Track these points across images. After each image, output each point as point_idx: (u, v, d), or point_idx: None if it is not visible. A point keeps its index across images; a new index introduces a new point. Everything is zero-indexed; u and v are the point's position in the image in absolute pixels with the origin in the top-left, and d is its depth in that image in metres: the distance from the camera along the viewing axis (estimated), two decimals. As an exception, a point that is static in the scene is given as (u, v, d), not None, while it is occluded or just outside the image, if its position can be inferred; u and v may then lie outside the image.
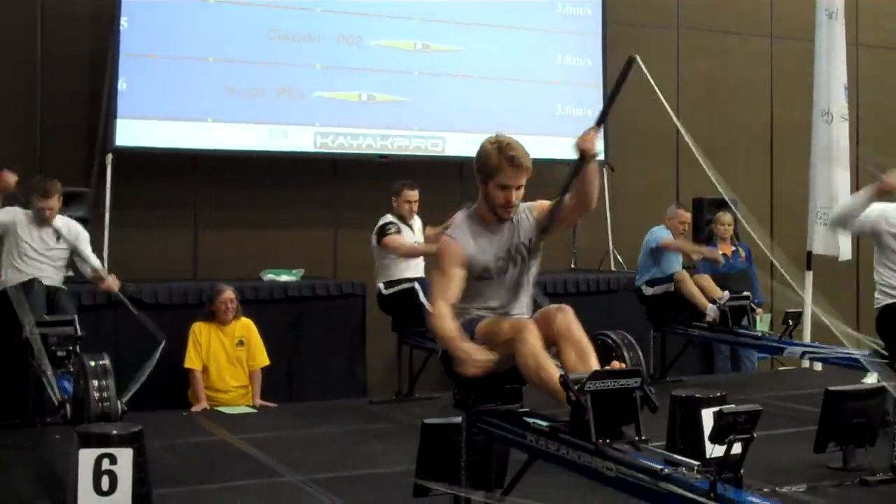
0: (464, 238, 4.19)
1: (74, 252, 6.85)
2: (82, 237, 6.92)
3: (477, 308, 4.22)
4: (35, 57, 8.29)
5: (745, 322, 7.80)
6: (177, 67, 8.35)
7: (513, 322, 4.06)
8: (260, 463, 5.76)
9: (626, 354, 5.86)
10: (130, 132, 8.14)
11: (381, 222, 7.58)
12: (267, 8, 8.72)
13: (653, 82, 4.44)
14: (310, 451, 6.13)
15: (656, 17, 10.70)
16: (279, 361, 7.81)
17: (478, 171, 4.20)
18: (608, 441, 3.58)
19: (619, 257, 9.90)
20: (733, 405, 3.77)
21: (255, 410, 7.37)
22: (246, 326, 7.56)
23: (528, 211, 4.30)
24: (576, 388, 3.60)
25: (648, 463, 3.42)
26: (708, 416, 4.85)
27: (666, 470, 3.32)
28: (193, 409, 7.32)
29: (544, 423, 3.87)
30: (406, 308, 7.45)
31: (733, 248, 9.15)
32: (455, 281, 4.11)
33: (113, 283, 6.74)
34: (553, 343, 4.04)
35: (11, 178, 6.61)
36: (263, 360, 7.58)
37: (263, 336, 7.64)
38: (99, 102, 8.28)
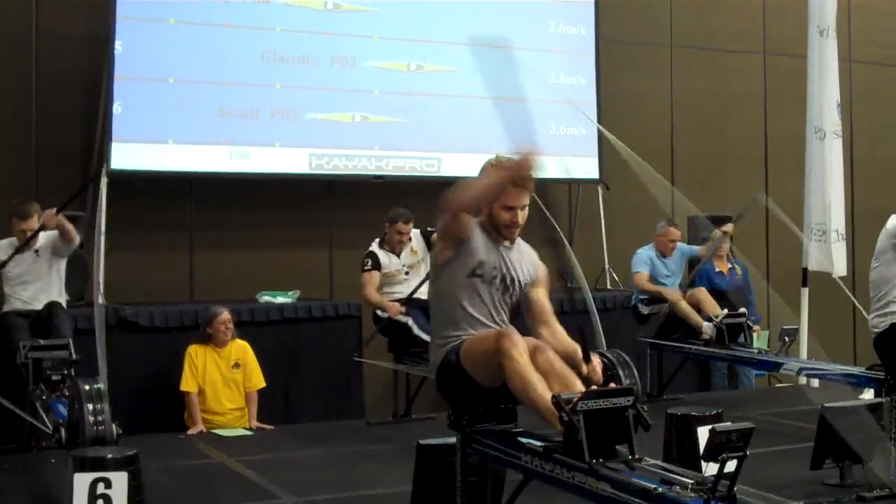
0: (475, 228, 4.24)
1: (55, 247, 6.82)
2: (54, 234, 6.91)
3: (461, 321, 4.22)
4: (29, 79, 8.32)
5: (741, 339, 7.80)
6: (171, 90, 8.38)
7: (497, 333, 4.04)
8: (257, 485, 5.73)
9: (621, 373, 5.85)
10: (125, 155, 8.17)
11: (368, 250, 7.61)
12: (260, 31, 8.75)
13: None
14: (307, 472, 6.12)
15: (649, 35, 10.74)
16: (276, 383, 7.80)
17: None
18: (602, 460, 3.58)
19: (614, 275, 9.91)
20: (728, 423, 3.78)
21: (251, 433, 7.35)
22: (242, 348, 7.56)
23: (532, 260, 4.39)
24: (568, 407, 3.61)
25: (642, 482, 3.42)
26: (703, 434, 4.86)
27: (660, 489, 3.32)
28: (190, 431, 7.29)
29: (538, 444, 3.88)
30: (400, 336, 7.45)
31: (730, 266, 9.18)
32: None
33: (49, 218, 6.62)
34: None
35: None
36: (259, 382, 7.57)
37: (260, 358, 7.63)
38: (94, 125, 8.29)
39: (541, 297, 4.38)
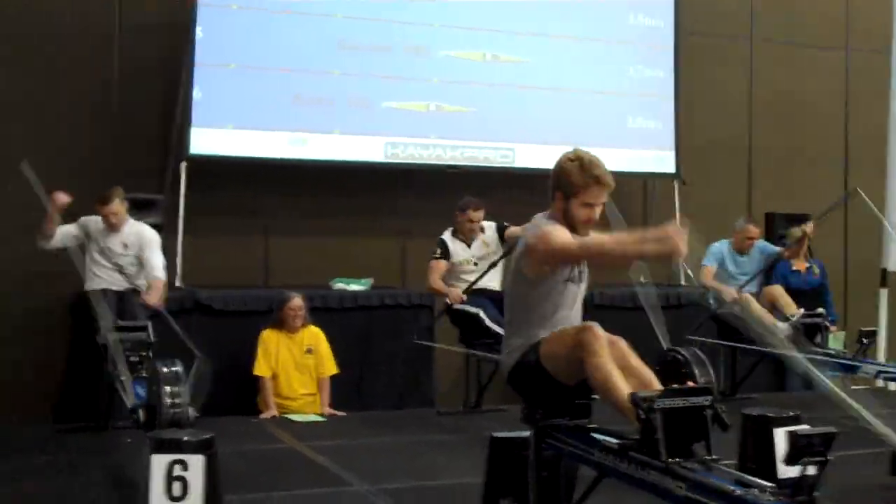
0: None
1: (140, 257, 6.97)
2: (148, 241, 7.09)
3: (552, 323, 4.20)
4: (111, 65, 8.43)
5: (818, 339, 7.67)
6: (249, 77, 8.45)
7: (578, 328, 4.03)
8: (328, 471, 5.78)
9: (696, 371, 5.78)
10: (204, 141, 8.26)
11: (439, 237, 7.63)
12: (337, 18, 8.79)
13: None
14: (377, 460, 6.15)
15: (730, 28, 10.59)
16: (347, 370, 7.85)
17: (557, 188, 4.17)
18: (678, 460, 3.54)
19: (688, 271, 9.79)
20: (807, 426, 3.72)
21: (323, 419, 7.42)
22: (314, 335, 7.62)
23: None
24: (646, 405, 3.58)
25: (720, 483, 3.38)
26: (781, 436, 4.79)
27: (738, 491, 3.28)
28: (262, 415, 7.38)
29: (613, 441, 3.85)
30: (471, 327, 7.44)
31: (807, 265, 9.02)
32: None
33: (153, 298, 6.82)
34: None
35: (64, 198, 6.83)
36: (332, 368, 7.62)
37: (332, 344, 7.69)
38: (173, 111, 8.39)
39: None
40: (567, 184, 4.16)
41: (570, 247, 4.06)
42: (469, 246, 7.62)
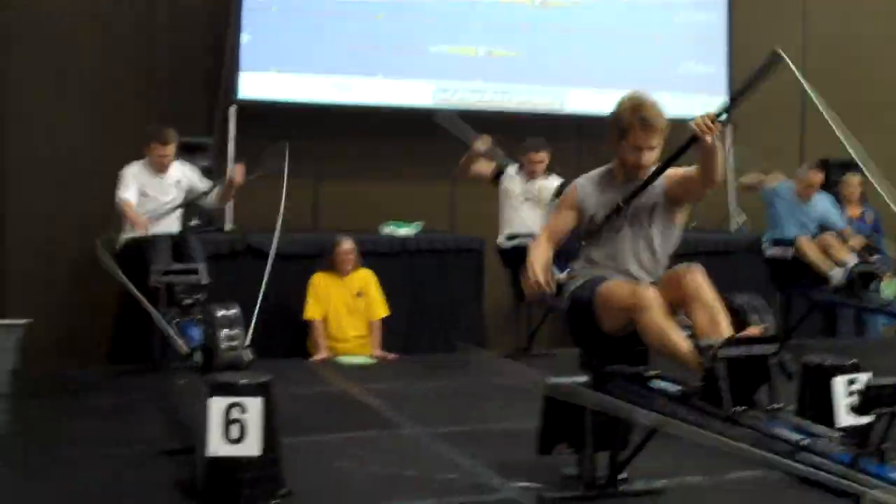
0: (585, 185, 4.29)
1: (193, 193, 6.96)
2: (196, 177, 7.07)
3: (597, 262, 4.18)
4: (159, 8, 8.38)
5: (872, 287, 7.58)
6: (298, 20, 8.38)
7: (634, 290, 3.99)
8: (380, 414, 5.81)
9: (757, 318, 5.69)
10: (253, 85, 8.22)
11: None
12: (388, -39, 8.70)
13: (802, 80, 4.19)
14: (428, 404, 6.18)
15: (784, -29, 10.36)
16: (397, 314, 7.85)
17: (611, 130, 4.14)
18: (742, 408, 3.51)
19: (738, 219, 9.67)
20: (867, 375, 3.67)
21: (373, 361, 7.44)
22: (365, 278, 7.63)
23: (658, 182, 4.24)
24: (709, 354, 3.54)
25: (785, 432, 3.35)
26: (840, 385, 4.72)
27: (805, 441, 3.24)
28: (313, 358, 7.42)
29: (674, 388, 3.82)
30: (523, 263, 7.39)
31: (861, 211, 8.91)
32: (561, 219, 4.33)
33: (238, 172, 6.78)
34: (681, 304, 3.97)
35: (146, 223, 6.79)
36: (382, 310, 7.63)
37: (382, 288, 7.69)
38: (221, 54, 8.34)
39: (680, 173, 4.18)
40: (617, 125, 4.14)
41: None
42: (525, 183, 7.59)
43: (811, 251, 7.89)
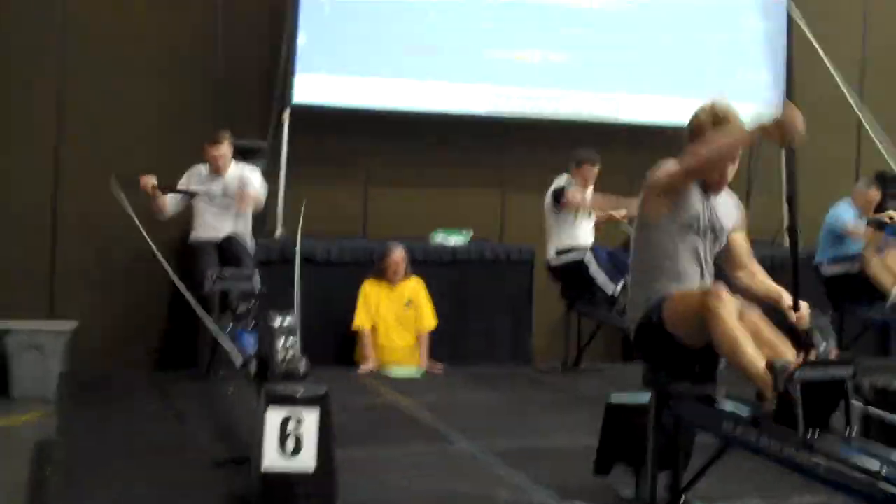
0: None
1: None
2: (249, 171, 7.04)
3: (670, 275, 4.05)
4: (216, 9, 8.34)
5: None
6: (355, 23, 8.32)
7: (704, 291, 3.84)
8: (431, 428, 5.72)
9: (818, 336, 5.55)
10: (307, 87, 8.17)
11: (557, 183, 7.47)
12: (445, -35, 8.62)
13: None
14: (479, 418, 6.07)
15: (845, -24, 10.18)
16: (445, 323, 7.76)
17: (690, 139, 4.02)
18: (817, 433, 3.39)
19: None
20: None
21: (421, 373, 7.35)
22: (415, 287, 7.55)
23: (734, 203, 4.18)
24: (784, 376, 3.42)
25: (864, 460, 3.22)
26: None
27: (885, 469, 3.11)
28: (361, 368, 7.34)
29: (745, 411, 3.70)
30: (575, 279, 7.32)
31: (915, 226, 8.71)
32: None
33: (243, 202, 6.86)
34: None
35: (149, 181, 6.82)
36: (431, 321, 7.55)
37: (430, 297, 7.61)
38: (276, 56, 8.30)
39: (738, 238, 4.16)
40: (696, 133, 4.02)
41: (674, 169, 3.93)
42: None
43: (875, 267, 7.72)
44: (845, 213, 8.11)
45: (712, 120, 4.02)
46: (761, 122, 3.69)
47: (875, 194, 8.15)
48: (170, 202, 6.98)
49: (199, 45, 8.31)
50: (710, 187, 4.07)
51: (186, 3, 8.31)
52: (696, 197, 4.02)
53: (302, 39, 8.12)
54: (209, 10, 8.32)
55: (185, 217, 7.17)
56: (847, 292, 7.97)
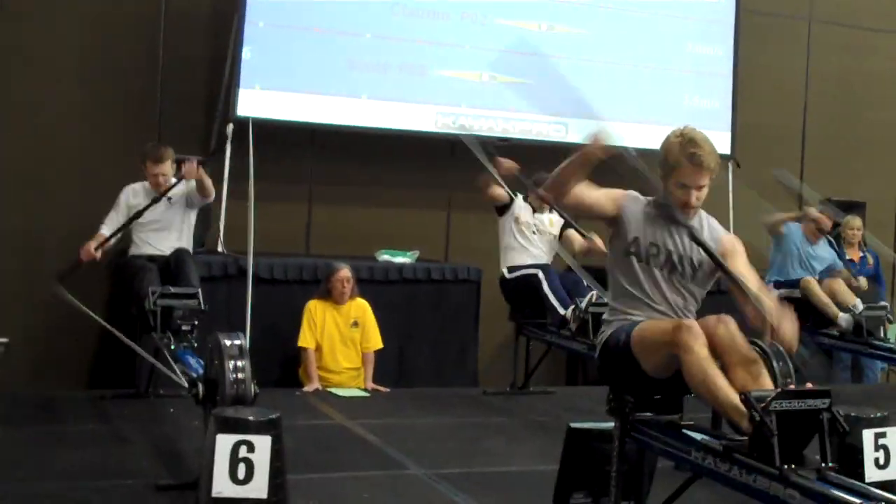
0: (636, 201, 4.00)
1: (190, 196, 6.66)
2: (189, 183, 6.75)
3: (631, 302, 3.96)
4: (158, 22, 8.15)
5: (881, 332, 7.43)
6: (300, 38, 8.18)
7: (675, 323, 3.75)
8: (381, 452, 5.58)
9: (775, 365, 5.51)
10: (251, 102, 7.99)
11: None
12: (393, -19, 8.51)
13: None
14: (429, 442, 5.93)
15: (789, 8, 10.27)
16: (390, 344, 7.62)
17: (659, 165, 3.93)
18: (792, 466, 3.31)
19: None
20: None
21: (367, 394, 7.20)
22: (361, 307, 7.39)
23: (714, 234, 4.03)
24: (760, 407, 3.34)
25: (841, 495, 3.14)
26: (869, 438, 4.54)
27: (863, 504, 3.04)
28: (305, 388, 7.17)
29: (716, 441, 3.61)
30: (527, 296, 7.22)
31: (861, 255, 8.79)
32: (599, 195, 3.96)
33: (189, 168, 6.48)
34: (715, 357, 3.77)
35: (90, 251, 6.46)
36: (377, 342, 7.40)
37: (376, 317, 7.46)
38: (220, 70, 8.11)
39: (738, 267, 3.95)
40: (665, 161, 3.94)
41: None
42: (534, 213, 7.40)
43: (819, 293, 7.73)
44: (793, 232, 8.13)
45: (679, 144, 3.93)
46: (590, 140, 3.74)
47: (825, 222, 8.17)
48: (128, 193, 6.69)
49: (141, 58, 8.10)
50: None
51: (128, 15, 8.06)
52: (638, 221, 3.96)
53: (246, 54, 7.95)
54: (152, 23, 8.11)
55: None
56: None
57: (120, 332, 5.83)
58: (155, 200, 6.43)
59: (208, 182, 6.56)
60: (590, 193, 3.96)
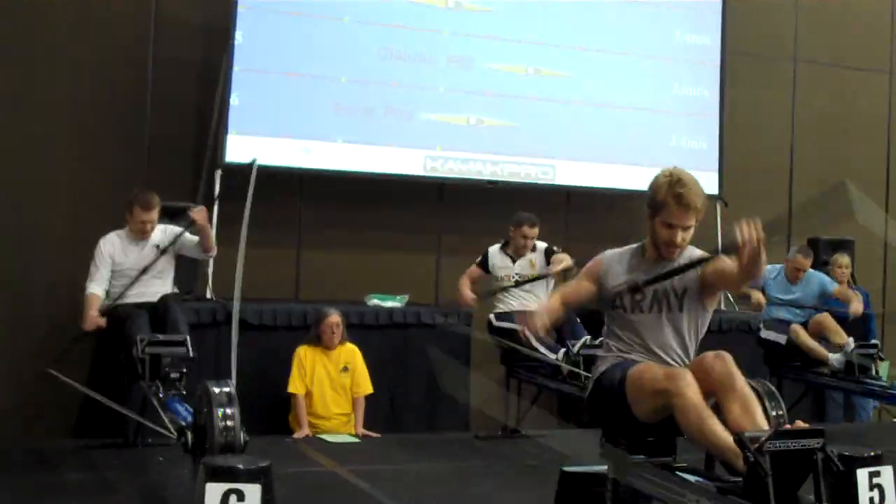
0: (612, 260, 4.11)
1: (180, 245, 6.60)
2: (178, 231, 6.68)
3: (625, 345, 3.97)
4: (146, 67, 8.14)
5: (872, 370, 7.42)
6: (288, 84, 8.18)
7: (668, 371, 3.79)
8: (373, 499, 5.50)
9: (767, 404, 5.49)
10: (239, 148, 7.97)
11: (491, 249, 7.45)
12: (379, 27, 8.51)
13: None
14: (421, 487, 5.86)
15: (774, 48, 10.35)
16: (380, 389, 7.57)
17: (647, 205, 3.95)
18: (787, 507, 3.28)
19: (730, 296, 9.50)
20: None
21: (357, 440, 7.14)
22: (351, 352, 7.35)
23: (692, 254, 4.04)
24: (754, 447, 3.32)
25: (837, 535, 3.12)
26: (863, 477, 4.51)
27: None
28: (295, 435, 7.11)
29: (710, 483, 3.58)
30: (515, 342, 7.18)
31: (851, 292, 8.78)
32: (579, 288, 4.15)
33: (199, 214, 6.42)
34: (711, 393, 3.77)
35: (95, 322, 6.39)
36: (368, 387, 7.35)
37: (366, 362, 7.42)
38: (208, 116, 8.12)
39: (718, 265, 3.93)
40: (653, 200, 3.97)
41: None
42: (514, 262, 7.39)
43: (805, 338, 7.75)
44: (775, 279, 8.15)
45: (667, 184, 3.95)
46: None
47: (802, 262, 8.18)
48: (105, 245, 6.58)
49: (133, 101, 8.10)
50: (660, 255, 3.99)
51: (117, 60, 8.06)
52: (622, 272, 4.02)
53: (235, 100, 7.96)
54: (140, 67, 8.12)
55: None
56: (783, 357, 7.97)
57: (106, 377, 5.74)
58: (163, 252, 6.43)
59: (212, 234, 6.53)
60: (576, 295, 4.15)
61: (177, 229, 6.64)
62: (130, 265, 6.53)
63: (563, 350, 6.75)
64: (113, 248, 6.55)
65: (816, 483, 3.37)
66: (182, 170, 8.20)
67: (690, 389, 3.66)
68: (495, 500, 5.63)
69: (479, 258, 7.54)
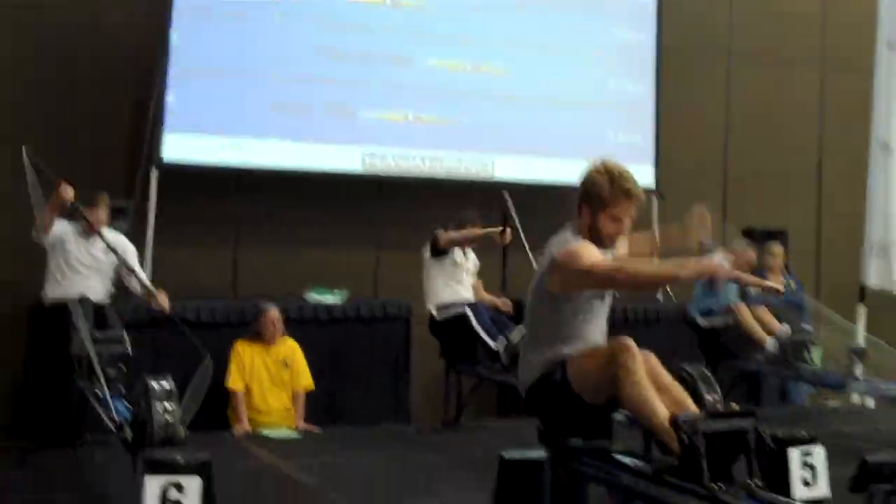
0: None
1: (123, 267, 6.63)
2: (130, 252, 6.74)
3: (575, 337, 4.01)
4: (81, 67, 8.07)
5: (805, 356, 7.57)
6: (225, 83, 8.13)
7: (612, 346, 3.84)
8: (317, 492, 5.53)
9: (703, 389, 5.57)
10: (176, 147, 7.93)
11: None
12: (316, 25, 8.51)
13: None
14: (364, 480, 5.89)
15: (709, 43, 10.49)
16: (321, 383, 7.57)
17: (585, 201, 3.99)
18: (721, 485, 3.36)
19: (667, 288, 9.62)
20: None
21: (297, 434, 7.14)
22: (291, 347, 7.35)
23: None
24: (689, 429, 3.39)
25: (769, 510, 3.20)
26: (795, 456, 4.61)
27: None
28: (235, 430, 7.09)
29: (646, 464, 3.65)
30: (458, 335, 7.24)
31: (784, 281, 8.93)
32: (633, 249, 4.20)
33: (164, 300, 6.50)
34: None
35: (69, 190, 6.39)
36: (308, 382, 7.36)
37: (306, 357, 7.43)
38: (143, 115, 8.05)
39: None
40: (596, 197, 3.99)
41: (600, 268, 3.86)
42: (465, 255, 7.46)
43: (749, 319, 7.87)
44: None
45: (609, 180, 3.99)
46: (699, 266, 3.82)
47: (751, 256, 8.28)
48: (56, 227, 6.58)
49: (69, 102, 8.00)
50: (602, 245, 4.03)
51: (49, 58, 7.97)
52: None
53: (171, 98, 7.90)
54: (77, 69, 8.03)
55: (38, 279, 6.78)
56: (720, 344, 8.08)
57: (40, 375, 5.66)
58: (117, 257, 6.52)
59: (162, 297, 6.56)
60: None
61: (125, 241, 6.75)
62: (78, 257, 6.58)
63: (502, 341, 6.82)
64: (64, 230, 6.58)
65: (749, 462, 3.44)
66: (119, 169, 8.10)
67: (636, 362, 3.73)
68: (436, 492, 5.65)
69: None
